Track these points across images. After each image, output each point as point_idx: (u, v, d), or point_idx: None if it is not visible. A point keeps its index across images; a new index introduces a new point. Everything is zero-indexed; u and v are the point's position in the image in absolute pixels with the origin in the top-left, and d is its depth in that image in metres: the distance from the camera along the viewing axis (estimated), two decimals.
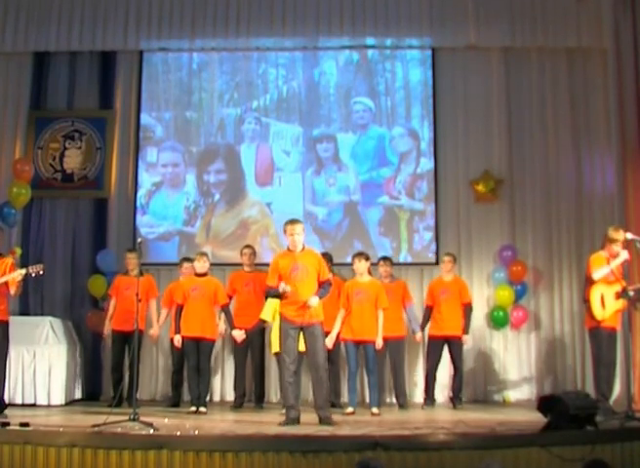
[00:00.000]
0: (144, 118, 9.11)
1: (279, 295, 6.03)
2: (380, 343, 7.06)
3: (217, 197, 9.00)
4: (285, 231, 6.15)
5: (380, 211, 8.87)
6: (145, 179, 9.04)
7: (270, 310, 7.07)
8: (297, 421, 5.83)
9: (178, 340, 7.15)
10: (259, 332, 7.59)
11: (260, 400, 7.73)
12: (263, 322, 7.18)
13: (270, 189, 8.97)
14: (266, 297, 6.44)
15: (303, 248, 6.15)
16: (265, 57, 9.16)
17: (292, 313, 5.97)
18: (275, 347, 7.10)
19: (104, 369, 8.36)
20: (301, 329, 5.97)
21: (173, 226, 8.96)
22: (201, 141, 9.12)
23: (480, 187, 8.70)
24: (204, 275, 7.30)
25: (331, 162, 8.97)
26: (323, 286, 6.10)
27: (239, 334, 7.19)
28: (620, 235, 6.41)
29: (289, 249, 6.17)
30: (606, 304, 6.41)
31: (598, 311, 6.44)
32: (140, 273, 7.81)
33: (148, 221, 8.97)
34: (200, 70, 9.21)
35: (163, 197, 9.01)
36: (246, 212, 8.96)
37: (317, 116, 9.08)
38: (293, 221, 6.16)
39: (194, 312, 7.13)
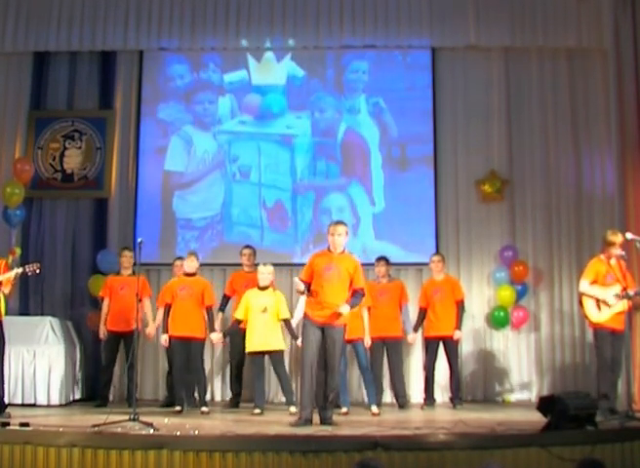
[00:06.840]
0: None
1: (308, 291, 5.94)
2: (368, 342, 7.11)
3: None
4: (328, 231, 6.05)
5: (380, 211, 8.87)
6: None
7: (243, 309, 7.03)
8: (310, 422, 5.77)
9: (165, 340, 7.19)
10: (238, 333, 7.42)
11: (236, 398, 7.70)
12: (239, 322, 7.10)
13: None
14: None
15: (343, 251, 6.06)
16: (266, 56, 9.14)
17: (314, 312, 5.90)
18: (250, 346, 7.05)
19: None
20: (322, 329, 5.90)
21: None
22: None
23: (486, 187, 8.69)
24: (193, 275, 7.28)
25: None
26: (355, 294, 5.99)
27: (217, 338, 7.15)
28: (619, 238, 6.41)
29: (328, 249, 6.06)
30: (602, 307, 6.40)
31: (593, 315, 6.43)
32: (133, 273, 7.85)
33: None
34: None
35: None
36: None
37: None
38: (337, 222, 6.10)
39: (182, 312, 7.12)
